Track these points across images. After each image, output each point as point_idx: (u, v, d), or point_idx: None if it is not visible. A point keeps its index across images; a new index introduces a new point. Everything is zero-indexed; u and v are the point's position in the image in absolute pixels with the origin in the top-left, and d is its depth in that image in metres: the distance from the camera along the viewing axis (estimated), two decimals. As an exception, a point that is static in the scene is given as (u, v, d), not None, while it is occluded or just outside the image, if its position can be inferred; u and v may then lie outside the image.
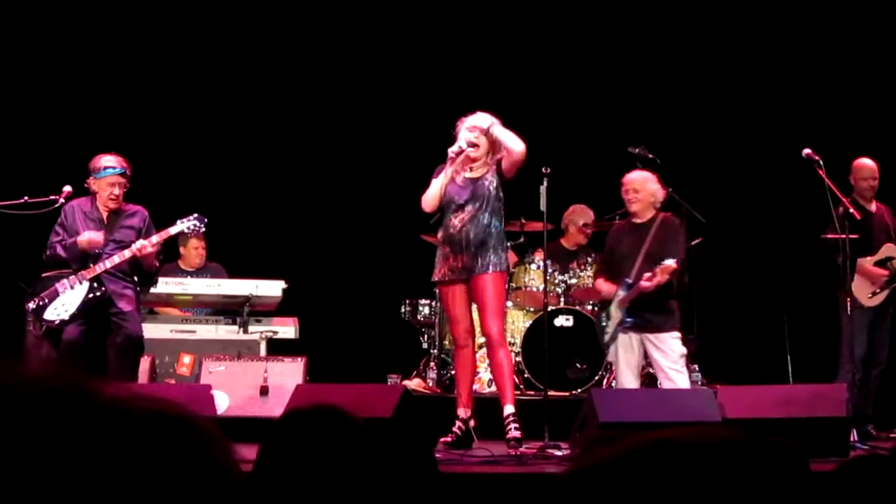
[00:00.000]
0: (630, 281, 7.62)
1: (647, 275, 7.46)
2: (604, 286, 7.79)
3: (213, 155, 10.71)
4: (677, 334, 7.74)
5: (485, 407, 7.47)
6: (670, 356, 7.59)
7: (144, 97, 10.67)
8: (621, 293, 7.62)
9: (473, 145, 6.98)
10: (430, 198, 7.08)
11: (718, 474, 1.11)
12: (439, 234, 7.16)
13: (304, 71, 11.11)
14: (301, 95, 11.12)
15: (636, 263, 7.68)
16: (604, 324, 7.80)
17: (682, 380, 7.63)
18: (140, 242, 7.10)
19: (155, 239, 7.18)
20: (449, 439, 6.83)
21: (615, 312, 7.67)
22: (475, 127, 6.99)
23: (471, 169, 7.04)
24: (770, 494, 1.13)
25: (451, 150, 6.97)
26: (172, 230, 7.31)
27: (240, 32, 10.92)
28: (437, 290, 7.36)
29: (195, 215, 7.37)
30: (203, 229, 7.44)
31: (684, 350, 7.76)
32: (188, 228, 7.34)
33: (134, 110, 10.55)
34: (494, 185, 6.98)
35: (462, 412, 7.01)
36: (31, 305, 7.12)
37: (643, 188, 7.77)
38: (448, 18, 11.03)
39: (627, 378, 7.62)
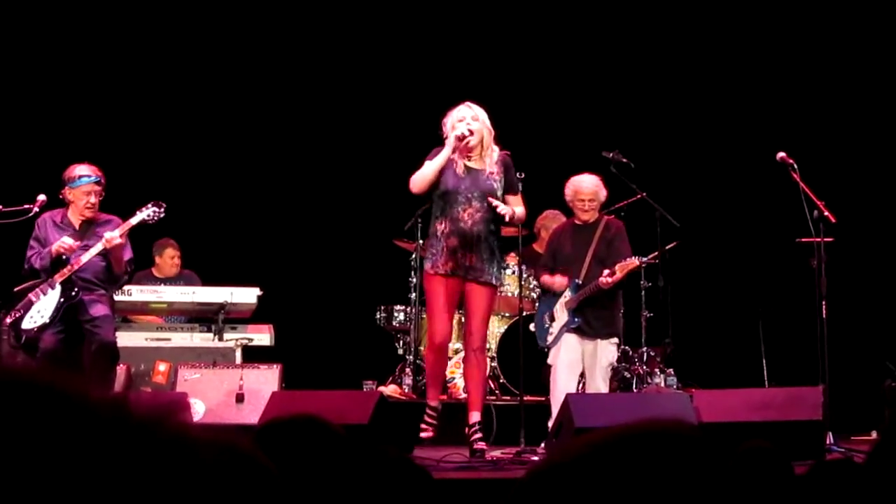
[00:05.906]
0: (579, 281, 7.64)
1: (607, 272, 7.48)
2: (556, 279, 7.74)
3: (186, 163, 10.68)
4: (616, 340, 7.78)
5: (460, 412, 7.46)
6: (602, 363, 7.63)
7: (118, 105, 10.64)
8: (569, 294, 7.64)
9: (471, 132, 6.78)
10: (422, 180, 6.82)
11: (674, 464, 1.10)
12: (440, 225, 6.85)
13: (278, 79, 11.10)
14: (275, 103, 11.11)
15: (584, 265, 7.71)
16: (546, 325, 7.79)
17: (605, 388, 7.67)
18: (108, 234, 7.10)
19: (119, 231, 7.16)
20: (430, 434, 6.84)
21: (561, 314, 7.68)
22: (464, 117, 6.84)
23: (468, 158, 6.86)
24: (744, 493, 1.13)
25: (454, 134, 6.75)
26: (133, 220, 7.29)
27: (214, 44, 10.90)
28: (427, 282, 6.87)
29: (151, 202, 7.34)
30: (163, 214, 7.36)
31: (615, 358, 7.80)
32: (148, 216, 7.30)
33: (107, 119, 10.52)
34: (500, 193, 6.87)
35: (435, 403, 6.98)
36: (9, 320, 7.10)
37: (597, 197, 7.81)
38: (421, 27, 11.04)
39: (568, 380, 7.57)
